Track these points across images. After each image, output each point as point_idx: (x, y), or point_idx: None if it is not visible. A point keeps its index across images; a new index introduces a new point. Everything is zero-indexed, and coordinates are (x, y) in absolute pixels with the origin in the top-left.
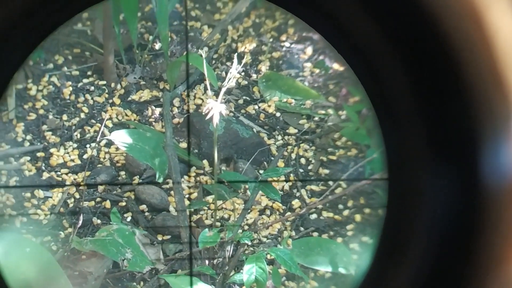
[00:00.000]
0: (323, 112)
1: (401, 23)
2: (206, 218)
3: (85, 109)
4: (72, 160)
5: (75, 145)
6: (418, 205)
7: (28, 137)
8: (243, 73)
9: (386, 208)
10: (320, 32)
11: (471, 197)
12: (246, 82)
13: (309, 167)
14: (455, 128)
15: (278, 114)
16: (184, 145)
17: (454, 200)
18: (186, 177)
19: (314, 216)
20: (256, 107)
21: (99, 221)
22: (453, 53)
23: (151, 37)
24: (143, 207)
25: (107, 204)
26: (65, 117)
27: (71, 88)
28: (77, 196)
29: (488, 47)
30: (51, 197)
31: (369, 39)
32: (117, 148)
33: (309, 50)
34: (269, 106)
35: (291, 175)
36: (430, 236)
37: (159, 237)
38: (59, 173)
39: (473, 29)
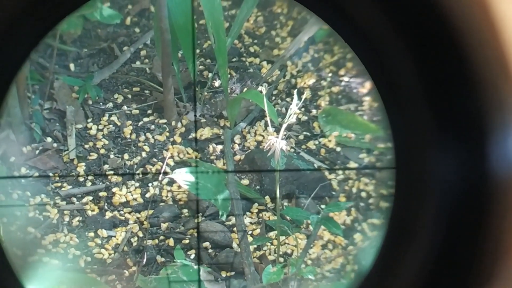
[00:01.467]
0: (382, 145)
1: (408, 11)
2: (269, 254)
3: (146, 148)
4: (135, 199)
5: (137, 184)
6: (426, 194)
7: (90, 177)
8: (303, 109)
9: (394, 196)
10: (327, 21)
11: (478, 186)
12: (306, 118)
13: (370, 201)
14: (463, 117)
15: (338, 149)
16: (245, 181)
17: (462, 189)
18: (248, 213)
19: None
20: (317, 142)
21: (163, 259)
22: (461, 41)
23: (210, 74)
24: (207, 244)
25: (171, 242)
26: (126, 156)
27: (131, 127)
28: (141, 234)
29: (496, 35)
30: (114, 236)
31: (375, 27)
32: (179, 186)
33: (368, 84)
34: (330, 141)
35: (352, 209)
36: (437, 224)
37: (223, 274)
38: (121, 212)
39: (481, 17)
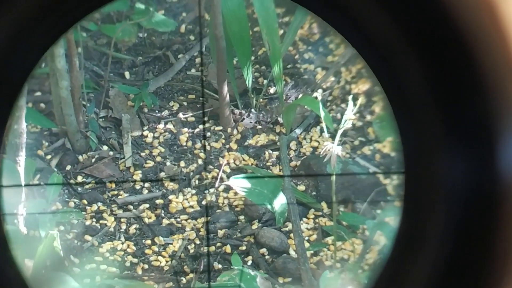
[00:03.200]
0: None
1: (415, 14)
2: (326, 260)
3: (202, 155)
4: (191, 206)
5: (193, 191)
6: (435, 198)
7: (147, 184)
8: (357, 114)
9: (403, 201)
10: (334, 26)
11: (488, 190)
12: (361, 123)
13: None
14: (472, 120)
15: (393, 154)
16: (302, 187)
17: (472, 193)
18: (305, 219)
19: None
20: (372, 147)
21: (220, 266)
22: (469, 44)
23: (265, 81)
24: (263, 250)
25: (227, 248)
26: (182, 163)
27: (187, 135)
28: (198, 241)
29: (504, 39)
30: (171, 243)
31: (383, 31)
32: (236, 193)
33: None
34: (384, 146)
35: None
36: (447, 228)
37: (280, 280)
38: (178, 219)
39: (488, 20)
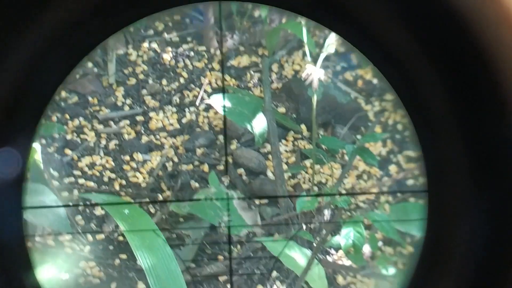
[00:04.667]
0: None
1: (436, 31)
2: (304, 183)
3: (185, 74)
4: (171, 124)
5: (174, 110)
6: (458, 217)
7: (128, 101)
8: (340, 40)
9: (426, 220)
10: (354, 44)
11: None
12: (343, 49)
13: (406, 133)
14: (495, 138)
15: (375, 81)
16: (282, 109)
17: (496, 211)
18: (284, 141)
19: (411, 182)
20: (354, 73)
21: (197, 185)
22: (489, 60)
23: (250, 5)
24: (241, 171)
25: (205, 167)
26: (164, 82)
27: (171, 54)
28: (176, 159)
29: None
30: (150, 160)
31: (403, 48)
32: (216, 112)
33: None
34: (366, 72)
35: (388, 140)
36: (471, 248)
37: (257, 201)
38: (158, 136)
39: (508, 34)
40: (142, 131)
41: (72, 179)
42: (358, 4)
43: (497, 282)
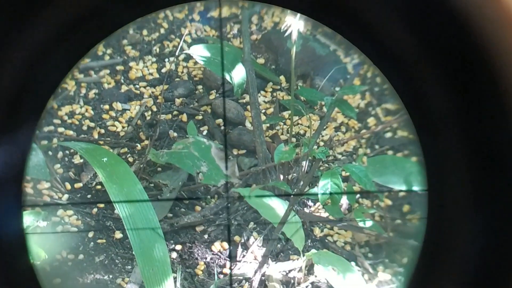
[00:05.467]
0: None
1: (441, 37)
2: (282, 134)
3: (165, 25)
4: (151, 74)
5: (154, 59)
6: (459, 216)
7: (108, 51)
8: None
9: (426, 219)
10: (359, 47)
11: None
12: None
13: (385, 86)
14: (496, 139)
15: None
16: (261, 60)
17: (496, 210)
18: (262, 92)
19: (389, 134)
20: None
21: (175, 134)
22: (491, 61)
23: None
24: (219, 121)
25: (184, 117)
26: (145, 32)
27: None
28: (155, 109)
29: None
30: (129, 110)
31: (404, 49)
32: (196, 63)
33: None
34: None
35: (367, 93)
36: (471, 247)
37: (235, 152)
38: (137, 86)
39: (508, 34)
40: (122, 81)
41: (51, 127)
42: (361, 5)
43: (497, 280)
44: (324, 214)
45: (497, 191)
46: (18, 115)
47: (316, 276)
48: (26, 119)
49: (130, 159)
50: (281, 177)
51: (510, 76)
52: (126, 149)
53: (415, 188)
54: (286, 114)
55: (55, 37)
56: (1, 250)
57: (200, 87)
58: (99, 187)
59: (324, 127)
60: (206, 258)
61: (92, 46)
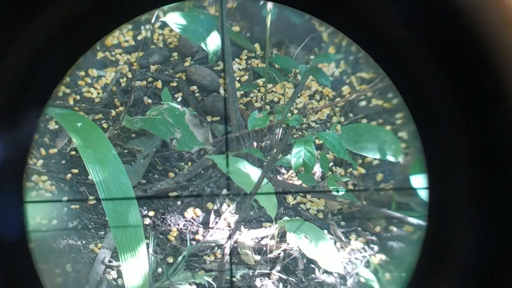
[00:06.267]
0: None
1: (439, 30)
2: (256, 101)
3: None
4: (127, 41)
5: (130, 27)
6: (459, 214)
7: None
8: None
9: (427, 217)
10: (359, 43)
11: None
12: None
13: (360, 55)
14: (497, 136)
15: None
16: (236, 28)
17: (496, 208)
18: (237, 59)
19: (363, 103)
20: None
21: (150, 101)
22: (492, 59)
23: None
24: (194, 88)
25: (159, 84)
26: None
27: None
28: (130, 76)
29: None
30: (104, 76)
31: (406, 47)
32: (171, 30)
33: None
34: None
35: (342, 61)
36: (472, 244)
37: (209, 118)
38: (113, 53)
39: (511, 33)
40: (98, 48)
41: None
42: (362, 2)
43: (498, 278)
44: (297, 182)
45: (498, 189)
46: (19, 111)
47: (288, 244)
48: (27, 115)
49: (105, 125)
50: (255, 144)
51: (511, 73)
52: (101, 115)
53: (389, 157)
54: (260, 81)
55: (56, 34)
56: (2, 245)
57: (175, 54)
58: (73, 152)
59: (298, 95)
60: (179, 225)
61: (93, 43)
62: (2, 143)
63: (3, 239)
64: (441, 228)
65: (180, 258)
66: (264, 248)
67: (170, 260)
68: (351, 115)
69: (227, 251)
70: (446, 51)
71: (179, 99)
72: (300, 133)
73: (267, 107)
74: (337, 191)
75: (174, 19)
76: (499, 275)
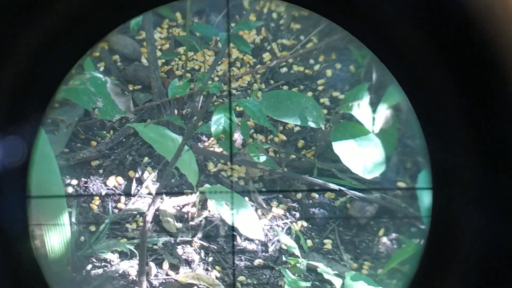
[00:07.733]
0: None
1: (444, 31)
2: (177, 69)
3: None
4: None
5: None
6: (463, 215)
7: None
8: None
9: (430, 217)
10: (365, 42)
11: None
12: None
13: (281, 22)
14: (502, 137)
15: None
16: None
17: (500, 209)
18: (159, 28)
19: (284, 69)
20: None
21: (73, 71)
22: (498, 58)
23: None
24: (116, 57)
25: None
26: None
27: None
28: None
29: None
30: None
31: (412, 47)
32: None
33: None
34: None
35: (263, 28)
36: (476, 245)
37: (130, 87)
38: None
39: None
40: None
41: None
42: (369, 2)
43: (502, 277)
44: (218, 149)
45: (501, 189)
46: (24, 107)
47: (209, 211)
48: (32, 111)
49: None
50: (176, 112)
51: None
52: None
53: (310, 123)
54: (181, 50)
55: (62, 30)
56: (5, 239)
57: None
58: None
59: (219, 62)
60: (101, 193)
61: (98, 40)
62: (7, 139)
63: (6, 232)
64: (445, 229)
65: (102, 226)
66: (186, 216)
67: (92, 228)
68: (272, 82)
69: (149, 219)
70: (452, 51)
71: (101, 69)
72: (220, 100)
73: (188, 75)
74: (258, 157)
75: None
76: (502, 276)
